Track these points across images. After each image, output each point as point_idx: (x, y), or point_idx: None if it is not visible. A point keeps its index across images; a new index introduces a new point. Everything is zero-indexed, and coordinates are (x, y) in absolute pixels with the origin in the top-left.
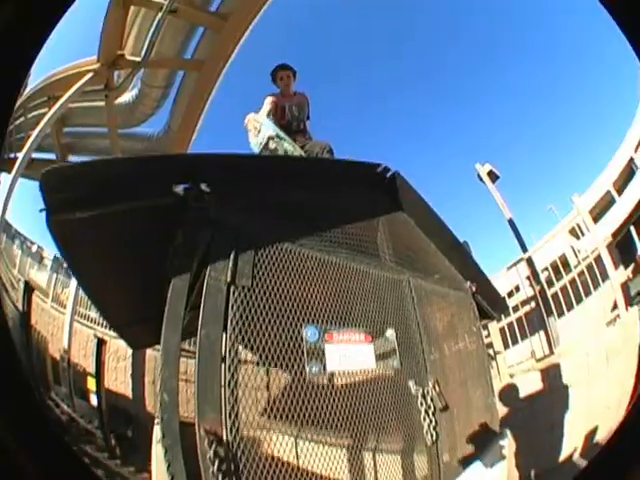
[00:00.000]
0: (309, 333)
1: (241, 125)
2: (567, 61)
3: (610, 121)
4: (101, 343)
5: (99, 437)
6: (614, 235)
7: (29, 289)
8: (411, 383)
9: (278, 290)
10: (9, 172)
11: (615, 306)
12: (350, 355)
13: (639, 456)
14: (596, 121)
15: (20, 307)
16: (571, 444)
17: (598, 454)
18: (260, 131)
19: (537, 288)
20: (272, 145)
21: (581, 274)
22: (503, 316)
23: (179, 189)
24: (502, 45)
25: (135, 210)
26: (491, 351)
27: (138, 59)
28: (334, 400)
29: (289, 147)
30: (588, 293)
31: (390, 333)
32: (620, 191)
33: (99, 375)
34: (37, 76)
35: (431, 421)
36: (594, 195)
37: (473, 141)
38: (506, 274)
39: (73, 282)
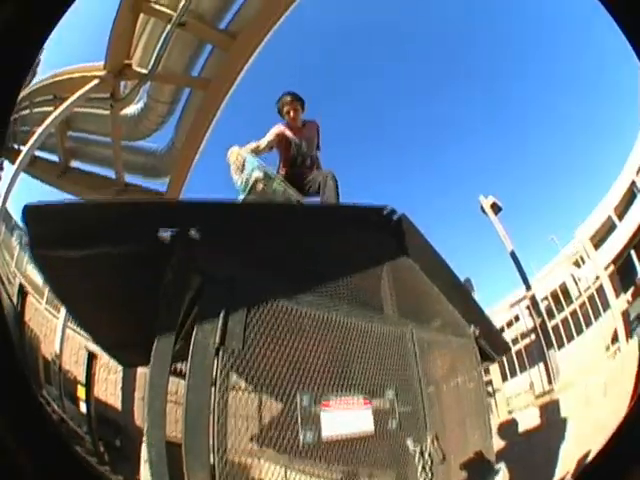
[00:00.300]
0: (304, 400)
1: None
2: (566, 83)
3: (610, 146)
4: (92, 357)
5: (88, 441)
6: (615, 261)
7: (24, 287)
8: (409, 441)
9: (272, 353)
10: (12, 162)
11: (616, 337)
12: (347, 421)
13: (638, 457)
14: (596, 147)
15: (15, 302)
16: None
17: (598, 454)
18: (244, 168)
19: (538, 320)
20: (260, 186)
21: (582, 304)
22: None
23: (165, 234)
24: (501, 76)
25: (120, 254)
26: (490, 388)
27: (145, 71)
28: (327, 457)
29: (279, 187)
30: (589, 323)
31: (390, 394)
32: (621, 216)
33: (89, 384)
34: (46, 67)
35: (427, 475)
36: (595, 222)
37: (468, 170)
38: (506, 306)
39: None
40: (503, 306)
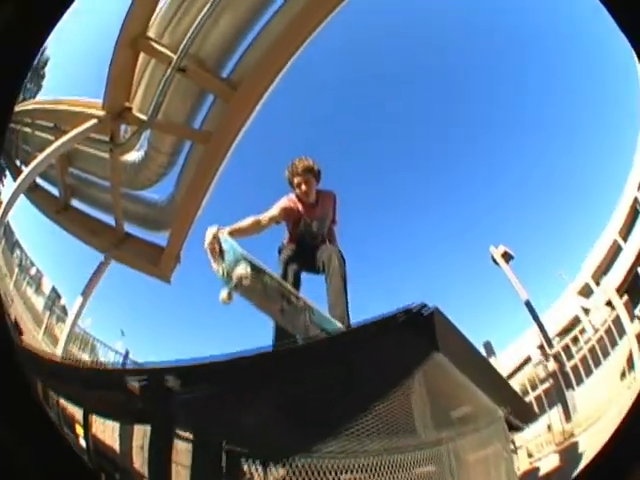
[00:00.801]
0: None
1: (249, 205)
2: (562, 109)
3: (609, 168)
4: None
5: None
6: (623, 284)
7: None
8: None
9: None
10: (15, 179)
11: (631, 365)
12: None
13: (638, 457)
14: (594, 172)
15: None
16: None
17: (598, 454)
18: (224, 257)
19: (553, 361)
20: (246, 282)
21: (597, 339)
22: None
23: (134, 384)
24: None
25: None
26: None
27: (145, 117)
28: None
29: (271, 282)
30: (606, 354)
31: None
32: (625, 237)
33: (87, 424)
34: (47, 90)
35: None
36: (601, 249)
37: (466, 219)
38: (519, 348)
39: (69, 320)
40: (515, 349)
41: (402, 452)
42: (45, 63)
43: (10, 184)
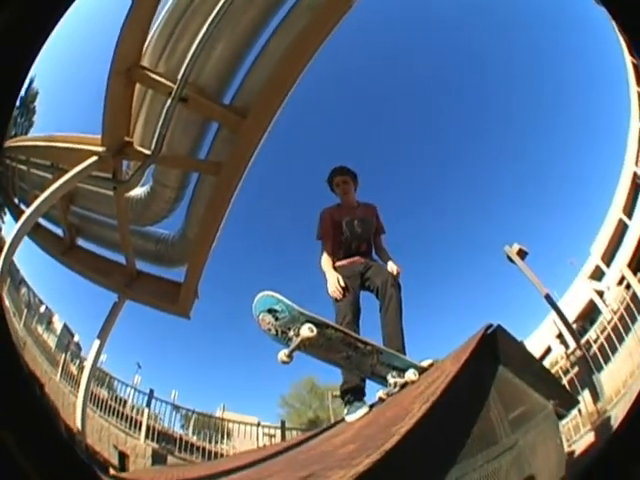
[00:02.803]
0: None
1: (265, 232)
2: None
3: (606, 148)
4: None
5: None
6: (632, 261)
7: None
8: None
9: None
10: (15, 218)
11: None
12: None
13: (638, 457)
14: (592, 154)
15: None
16: None
17: (597, 455)
18: (277, 316)
19: (579, 351)
20: (309, 342)
21: (614, 316)
22: None
23: None
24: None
25: None
26: None
27: (148, 152)
28: None
29: (333, 334)
30: (628, 330)
31: None
32: (630, 214)
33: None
34: (40, 125)
35: None
36: (607, 230)
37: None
38: (540, 338)
39: (89, 361)
40: (536, 340)
41: (493, 460)
42: (35, 96)
43: (11, 223)
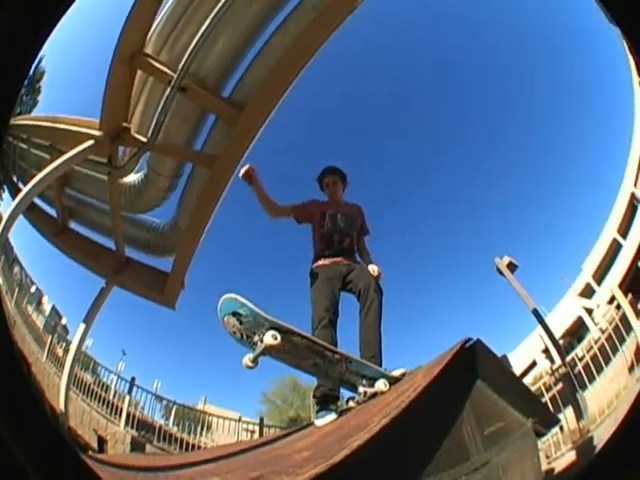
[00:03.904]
0: None
1: (258, 230)
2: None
3: (605, 164)
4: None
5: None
6: (623, 281)
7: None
8: None
9: None
10: (13, 197)
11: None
12: None
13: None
14: (590, 169)
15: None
16: None
17: (597, 456)
18: (241, 320)
19: (564, 367)
20: (275, 349)
21: (604, 338)
22: None
23: None
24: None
25: None
26: None
27: (144, 139)
28: None
29: (299, 340)
30: (615, 350)
31: None
32: (625, 235)
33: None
34: (44, 105)
35: None
36: (600, 248)
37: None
38: (525, 353)
39: (73, 345)
40: (521, 355)
41: (462, 478)
42: (41, 76)
43: (8, 201)
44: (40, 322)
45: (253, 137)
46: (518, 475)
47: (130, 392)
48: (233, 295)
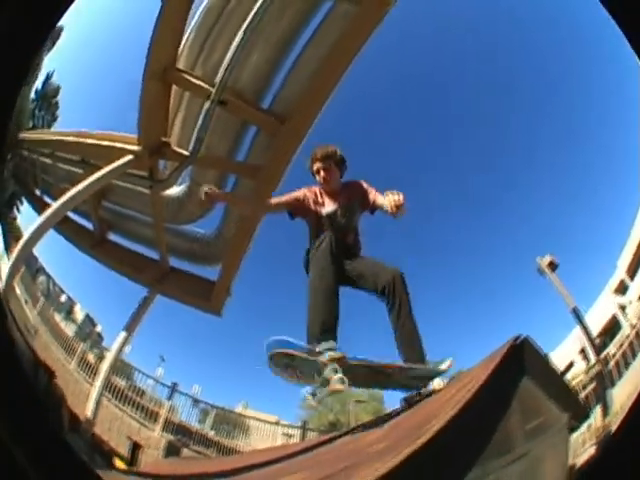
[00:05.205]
0: None
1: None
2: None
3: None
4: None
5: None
6: None
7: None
8: None
9: None
10: (36, 209)
11: None
12: None
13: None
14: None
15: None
16: None
17: (596, 456)
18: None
19: (597, 367)
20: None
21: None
22: None
23: None
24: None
25: None
26: None
27: (186, 153)
28: None
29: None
30: None
31: None
32: None
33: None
34: (64, 121)
35: None
36: (633, 244)
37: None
38: (564, 353)
39: (112, 351)
40: (559, 355)
41: (504, 468)
42: (55, 92)
43: (28, 213)
44: (70, 330)
45: (297, 147)
46: (552, 468)
47: (170, 397)
48: (281, 338)
